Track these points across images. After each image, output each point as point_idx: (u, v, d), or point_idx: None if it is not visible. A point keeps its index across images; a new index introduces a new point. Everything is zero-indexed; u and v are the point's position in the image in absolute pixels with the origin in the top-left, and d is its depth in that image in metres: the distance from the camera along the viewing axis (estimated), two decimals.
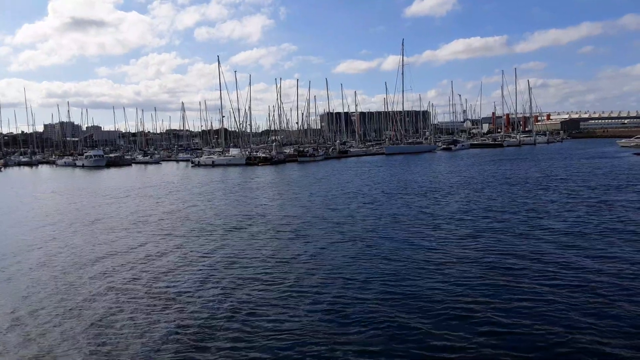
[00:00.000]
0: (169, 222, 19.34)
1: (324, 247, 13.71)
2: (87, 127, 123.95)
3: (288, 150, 74.34)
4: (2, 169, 78.32)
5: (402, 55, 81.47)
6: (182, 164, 75.73)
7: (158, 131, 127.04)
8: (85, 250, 14.64)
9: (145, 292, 10.28)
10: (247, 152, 68.28)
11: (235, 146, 77.31)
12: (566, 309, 8.33)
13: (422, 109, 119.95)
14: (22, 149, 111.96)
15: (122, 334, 8.14)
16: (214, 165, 64.67)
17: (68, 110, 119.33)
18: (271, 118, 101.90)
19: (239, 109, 77.83)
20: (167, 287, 10.62)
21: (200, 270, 11.89)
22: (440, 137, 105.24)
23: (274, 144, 75.79)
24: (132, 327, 8.41)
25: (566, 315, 8.06)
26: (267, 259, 12.64)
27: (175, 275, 11.55)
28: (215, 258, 13.02)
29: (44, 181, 50.94)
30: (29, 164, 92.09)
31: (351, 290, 9.84)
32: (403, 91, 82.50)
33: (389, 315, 8.38)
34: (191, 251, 13.99)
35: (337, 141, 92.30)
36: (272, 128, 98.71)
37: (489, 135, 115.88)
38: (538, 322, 7.81)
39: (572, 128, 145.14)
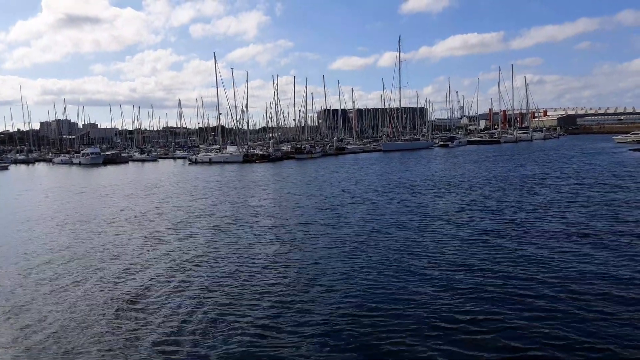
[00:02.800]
0: (163, 222, 19.27)
1: (318, 251, 13.65)
2: (83, 125, 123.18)
3: (285, 147, 74.22)
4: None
5: (399, 51, 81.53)
6: (179, 161, 75.54)
7: (155, 128, 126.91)
8: (82, 249, 14.62)
9: (111, 295, 10.28)
10: (244, 150, 68.22)
11: (232, 143, 77.24)
12: (564, 311, 8.37)
13: (419, 106, 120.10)
14: (18, 147, 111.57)
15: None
16: (211, 162, 64.52)
17: (64, 108, 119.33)
18: (268, 115, 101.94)
19: (235, 106, 77.58)
20: (148, 289, 10.61)
21: (183, 272, 11.89)
22: (437, 134, 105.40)
23: (271, 141, 75.74)
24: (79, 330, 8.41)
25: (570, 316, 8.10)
26: (260, 263, 12.60)
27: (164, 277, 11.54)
28: (203, 259, 12.98)
29: (40, 178, 50.77)
30: (26, 162, 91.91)
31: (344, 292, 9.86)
32: (400, 88, 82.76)
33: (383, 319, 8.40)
34: (182, 252, 13.98)
35: (335, 138, 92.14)
36: (269, 125, 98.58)
37: (486, 131, 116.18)
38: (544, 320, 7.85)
39: (569, 124, 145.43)
